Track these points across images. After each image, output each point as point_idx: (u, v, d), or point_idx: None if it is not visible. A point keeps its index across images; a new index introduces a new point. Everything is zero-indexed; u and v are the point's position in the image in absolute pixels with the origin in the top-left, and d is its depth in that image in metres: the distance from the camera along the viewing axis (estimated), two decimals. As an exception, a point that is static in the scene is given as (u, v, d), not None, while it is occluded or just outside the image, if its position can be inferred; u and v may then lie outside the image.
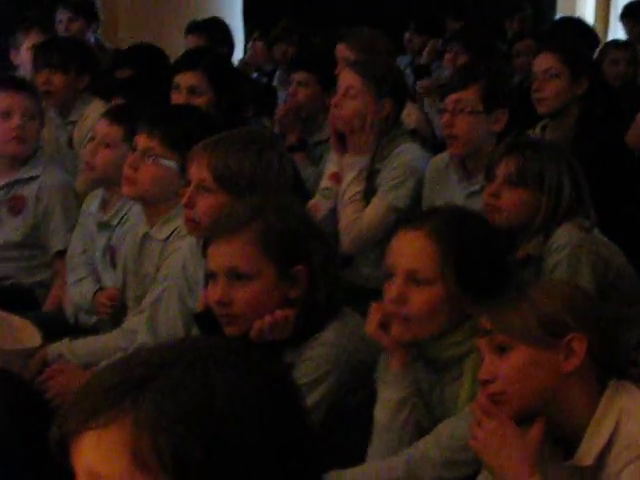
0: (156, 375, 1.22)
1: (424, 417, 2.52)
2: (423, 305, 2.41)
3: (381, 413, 2.48)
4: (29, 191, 4.16)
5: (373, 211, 3.89)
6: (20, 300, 3.98)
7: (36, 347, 2.89)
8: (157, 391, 1.20)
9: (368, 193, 4.04)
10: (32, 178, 4.16)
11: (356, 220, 3.86)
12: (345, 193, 3.89)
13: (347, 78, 4.12)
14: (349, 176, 3.89)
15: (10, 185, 4.17)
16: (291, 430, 1.25)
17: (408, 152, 4.02)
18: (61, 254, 4.08)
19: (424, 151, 4.15)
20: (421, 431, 2.48)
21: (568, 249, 3.17)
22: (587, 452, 2.08)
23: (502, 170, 3.22)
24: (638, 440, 2.03)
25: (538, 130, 4.50)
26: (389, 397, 2.47)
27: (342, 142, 4.00)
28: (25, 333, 3.00)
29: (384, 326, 2.47)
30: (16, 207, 4.15)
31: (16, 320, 2.91)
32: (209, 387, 1.21)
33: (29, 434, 1.60)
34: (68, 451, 1.24)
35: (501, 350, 2.12)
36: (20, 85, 4.26)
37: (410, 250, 2.44)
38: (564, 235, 3.19)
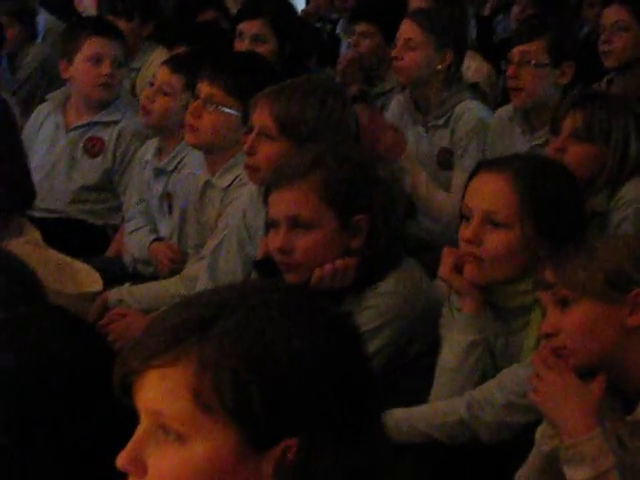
0: (220, 316, 1.22)
1: (488, 365, 2.51)
2: (498, 247, 2.41)
3: (450, 355, 2.48)
4: (108, 134, 4.17)
5: (458, 188, 3.85)
6: (92, 241, 4.02)
7: (96, 291, 2.91)
8: (221, 331, 1.21)
9: (429, 150, 4.04)
10: (113, 122, 4.18)
11: (445, 200, 3.83)
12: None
13: (407, 29, 4.09)
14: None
15: (88, 126, 4.18)
16: (352, 375, 1.25)
17: (472, 113, 3.99)
18: None
19: (486, 107, 4.12)
20: (484, 379, 2.48)
21: (635, 205, 3.13)
22: None
23: (568, 124, 3.18)
24: None
25: (604, 84, 4.43)
26: (460, 339, 2.47)
27: None
28: (86, 278, 3.01)
29: (457, 270, 2.47)
30: (94, 149, 4.16)
31: (78, 265, 2.93)
32: (272, 329, 1.21)
33: (91, 373, 1.62)
34: (130, 390, 1.25)
35: (564, 304, 2.10)
36: (113, 31, 4.26)
37: (490, 192, 2.44)
38: (631, 191, 3.15)
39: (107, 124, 4.18)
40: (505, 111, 4.12)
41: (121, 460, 1.23)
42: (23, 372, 1.60)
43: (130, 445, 1.23)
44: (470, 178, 2.52)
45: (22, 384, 1.59)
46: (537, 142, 3.87)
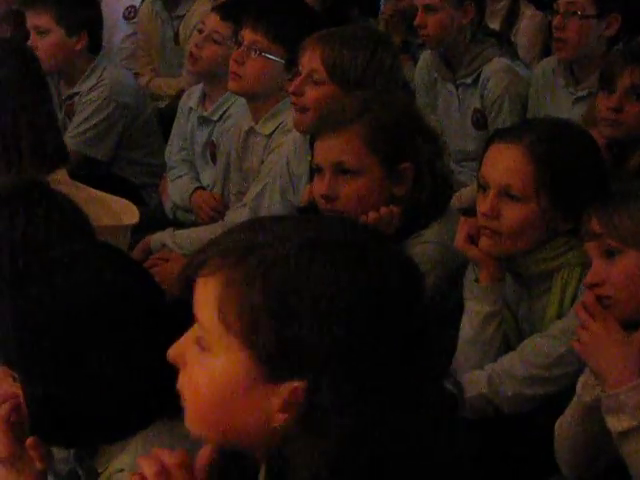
0: (264, 245, 1.24)
1: (512, 330, 2.50)
2: (515, 221, 2.37)
3: (468, 326, 2.46)
4: None
5: None
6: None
7: (133, 224, 2.93)
8: (255, 261, 1.23)
9: (460, 108, 4.02)
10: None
11: None
12: None
13: None
14: None
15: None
16: (385, 326, 1.24)
17: (500, 75, 3.97)
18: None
19: (515, 65, 4.08)
20: (508, 344, 2.46)
21: None
22: None
23: (625, 81, 3.13)
24: None
25: None
26: (477, 310, 2.45)
27: None
28: (121, 210, 3.02)
29: (473, 240, 2.44)
30: None
31: (111, 198, 2.94)
32: (303, 274, 1.22)
33: (141, 306, 1.68)
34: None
35: (610, 254, 2.08)
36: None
37: (505, 165, 2.39)
38: None
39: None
40: (548, 63, 4.09)
41: (170, 353, 1.30)
42: (77, 307, 1.65)
43: (180, 340, 1.30)
44: (486, 147, 2.47)
45: (77, 318, 1.64)
46: (580, 94, 3.85)
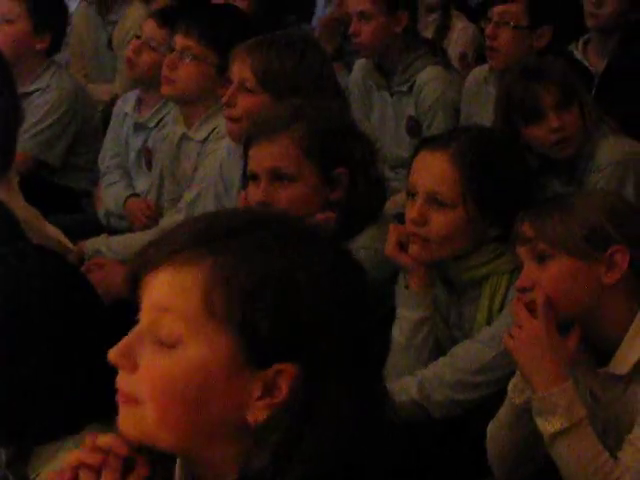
0: (245, 230, 1.24)
1: (444, 335, 2.52)
2: (443, 227, 2.40)
3: (398, 332, 2.48)
4: None
5: None
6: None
7: (70, 248, 2.95)
8: (241, 244, 1.22)
9: (394, 116, 4.05)
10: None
11: None
12: None
13: (357, 2, 4.08)
14: None
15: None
16: (357, 314, 1.26)
17: (434, 83, 4.01)
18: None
19: (449, 73, 4.12)
20: (440, 349, 2.49)
21: (612, 166, 3.15)
22: (622, 361, 2.09)
23: (548, 100, 3.16)
24: None
25: (580, 45, 4.42)
26: (408, 316, 2.47)
27: None
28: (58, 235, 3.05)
29: (403, 246, 2.46)
30: None
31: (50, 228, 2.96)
32: (294, 252, 1.22)
33: (77, 305, 1.68)
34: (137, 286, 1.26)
35: (541, 259, 2.11)
36: None
37: (432, 172, 2.42)
38: (605, 154, 3.17)
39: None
40: (480, 71, 4.14)
41: (113, 353, 1.25)
42: (11, 307, 1.65)
43: (125, 340, 1.25)
44: (415, 154, 2.50)
45: (10, 317, 1.64)
46: (512, 103, 3.89)
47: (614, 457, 2.07)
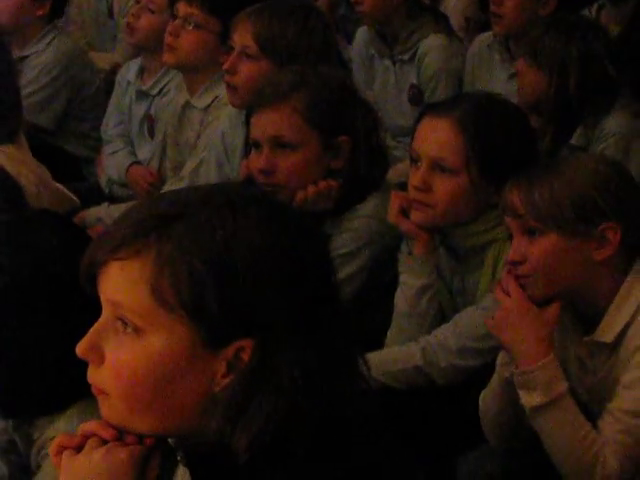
0: (183, 214, 1.23)
1: (447, 302, 2.52)
2: (446, 193, 2.39)
3: (402, 299, 2.48)
4: None
5: None
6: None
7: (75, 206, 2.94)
8: (182, 229, 1.21)
9: (396, 84, 4.03)
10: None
11: None
12: None
13: None
14: None
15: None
16: (311, 283, 1.25)
17: (437, 52, 3.98)
18: None
19: (451, 41, 4.09)
20: (443, 317, 2.49)
21: (617, 136, 3.13)
22: (608, 330, 2.09)
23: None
24: None
25: (594, 10, 4.40)
26: (411, 283, 2.47)
27: None
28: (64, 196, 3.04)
29: (406, 213, 2.45)
30: None
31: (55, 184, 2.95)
32: (233, 232, 1.22)
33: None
34: (96, 280, 1.26)
35: (532, 233, 2.09)
36: None
37: (435, 138, 2.41)
38: (614, 122, 3.14)
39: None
40: (485, 38, 4.11)
41: (80, 347, 1.26)
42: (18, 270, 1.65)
43: (90, 334, 1.26)
44: (417, 121, 2.49)
45: (18, 281, 1.63)
46: (515, 70, 3.87)
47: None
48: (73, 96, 4.03)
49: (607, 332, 2.10)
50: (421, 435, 2.30)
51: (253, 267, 1.21)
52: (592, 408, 2.14)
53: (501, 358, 2.16)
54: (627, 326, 2.07)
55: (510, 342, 2.10)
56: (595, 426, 2.07)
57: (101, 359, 1.25)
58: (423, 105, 3.94)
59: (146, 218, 1.24)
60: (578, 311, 2.16)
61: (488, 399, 2.20)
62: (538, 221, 2.07)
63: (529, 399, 2.06)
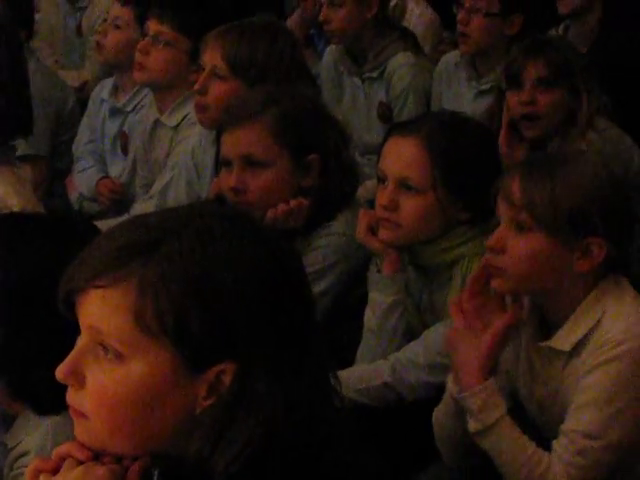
0: (164, 239, 1.23)
1: (416, 319, 2.53)
2: (414, 212, 2.40)
3: (371, 316, 2.49)
4: None
5: None
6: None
7: None
8: (164, 255, 1.22)
9: (365, 102, 4.05)
10: None
11: None
12: None
13: None
14: None
15: None
16: (291, 306, 1.26)
17: (405, 69, 4.02)
18: None
19: (419, 58, 4.13)
20: (412, 334, 2.50)
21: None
22: (565, 338, 2.10)
23: (531, 75, 3.17)
24: (613, 341, 2.04)
25: (561, 30, 4.46)
26: (380, 300, 2.48)
27: None
28: None
29: (374, 231, 2.47)
30: None
31: None
32: (214, 255, 1.22)
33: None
34: (74, 305, 1.27)
35: (520, 228, 2.08)
36: None
37: (401, 158, 2.42)
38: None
39: None
40: (452, 56, 4.15)
41: (60, 372, 1.26)
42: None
43: (70, 358, 1.26)
44: (384, 140, 2.50)
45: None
46: (482, 88, 3.91)
47: (550, 432, 2.09)
48: (49, 117, 4.02)
49: (564, 340, 2.10)
50: (382, 450, 2.31)
51: (234, 290, 1.22)
52: (541, 422, 2.15)
53: (450, 378, 2.16)
54: (584, 339, 2.08)
55: (455, 363, 2.11)
56: (547, 446, 2.07)
57: (81, 383, 1.25)
58: (392, 122, 3.98)
59: (126, 245, 1.24)
60: (539, 315, 2.16)
61: (440, 417, 2.21)
62: (532, 217, 2.06)
63: (469, 423, 2.08)
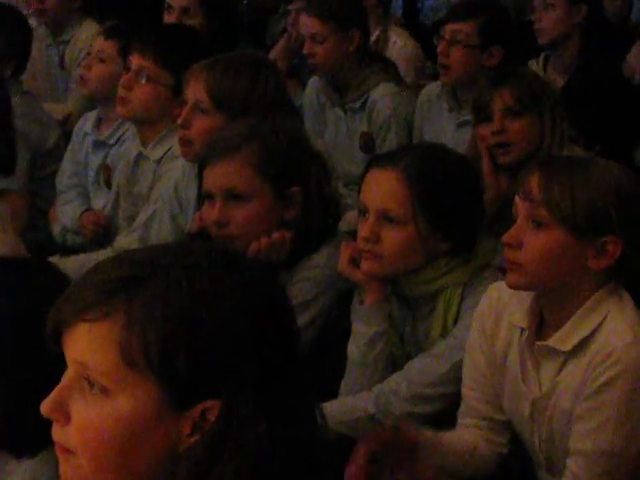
0: (152, 275, 1.24)
1: (400, 350, 2.54)
2: (395, 244, 2.41)
3: (354, 348, 2.50)
4: None
5: None
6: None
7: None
8: (151, 290, 1.23)
9: (348, 132, 4.07)
10: None
11: None
12: None
13: (307, 24, 4.13)
14: None
15: None
16: (277, 344, 1.27)
17: (387, 100, 4.05)
18: None
19: (401, 89, 4.15)
20: (395, 365, 2.50)
21: None
22: (566, 338, 2.11)
23: (498, 105, 3.20)
24: (615, 356, 2.05)
25: (541, 60, 4.51)
26: (363, 332, 2.49)
27: None
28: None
29: (356, 263, 2.48)
30: None
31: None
32: (201, 293, 1.23)
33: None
34: (61, 339, 1.27)
35: (538, 224, 2.09)
36: None
37: (382, 190, 2.43)
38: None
39: None
40: (433, 87, 4.18)
41: (45, 406, 1.26)
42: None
43: (55, 392, 1.26)
44: (365, 172, 2.52)
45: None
46: (463, 119, 3.94)
47: (540, 437, 2.11)
48: (33, 152, 4.02)
49: (565, 341, 2.11)
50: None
51: (221, 327, 1.23)
52: (531, 427, 2.16)
53: None
54: (585, 339, 2.09)
55: None
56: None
57: (66, 418, 1.25)
58: (375, 153, 4.01)
59: (114, 279, 1.24)
60: (543, 314, 2.17)
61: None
62: (550, 213, 2.07)
63: None
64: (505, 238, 2.12)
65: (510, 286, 2.14)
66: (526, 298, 2.20)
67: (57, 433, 1.26)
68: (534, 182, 2.10)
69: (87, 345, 1.24)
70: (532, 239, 2.09)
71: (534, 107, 3.18)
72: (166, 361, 1.21)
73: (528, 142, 3.19)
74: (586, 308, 2.10)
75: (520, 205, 2.12)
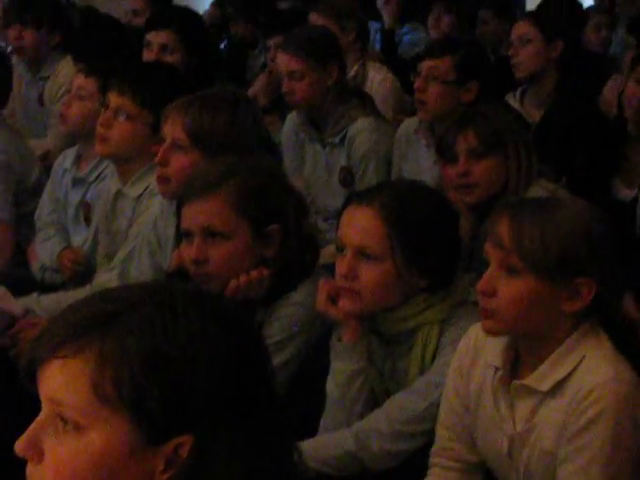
0: (125, 312, 1.25)
1: (379, 387, 2.54)
2: (373, 280, 2.42)
3: (333, 385, 2.50)
4: None
5: None
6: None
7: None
8: (123, 328, 1.24)
9: (327, 167, 4.09)
10: None
11: None
12: None
13: (284, 63, 4.14)
14: None
15: None
16: (250, 381, 1.28)
17: (366, 135, 4.06)
18: None
19: (379, 123, 4.17)
20: (376, 401, 2.50)
21: None
22: (543, 378, 2.11)
23: (462, 147, 3.18)
24: (594, 396, 2.05)
25: (518, 94, 4.55)
26: (342, 369, 2.49)
27: None
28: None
29: (334, 300, 2.48)
30: None
31: None
32: (174, 331, 1.25)
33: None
34: (35, 377, 1.28)
35: (510, 271, 2.10)
36: None
37: (359, 226, 2.44)
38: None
39: None
40: (411, 122, 4.20)
41: (19, 445, 1.27)
42: None
43: (29, 431, 1.27)
44: (343, 209, 2.53)
45: None
46: (441, 154, 3.96)
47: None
48: (16, 187, 4.03)
49: (542, 381, 2.11)
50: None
51: (193, 365, 1.24)
52: (509, 462, 2.16)
53: None
54: (563, 380, 2.09)
55: None
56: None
57: (40, 457, 1.26)
58: (354, 187, 4.02)
59: (88, 316, 1.26)
60: (520, 352, 2.18)
61: None
62: (523, 261, 2.08)
63: None
64: (479, 286, 2.13)
65: (486, 332, 2.16)
66: (503, 338, 2.21)
67: (31, 472, 1.27)
68: (504, 230, 2.11)
69: (60, 382, 1.25)
70: (505, 287, 2.10)
71: (498, 147, 3.16)
72: (138, 397, 1.22)
73: (493, 183, 3.16)
74: (563, 350, 2.11)
75: (491, 252, 2.13)
